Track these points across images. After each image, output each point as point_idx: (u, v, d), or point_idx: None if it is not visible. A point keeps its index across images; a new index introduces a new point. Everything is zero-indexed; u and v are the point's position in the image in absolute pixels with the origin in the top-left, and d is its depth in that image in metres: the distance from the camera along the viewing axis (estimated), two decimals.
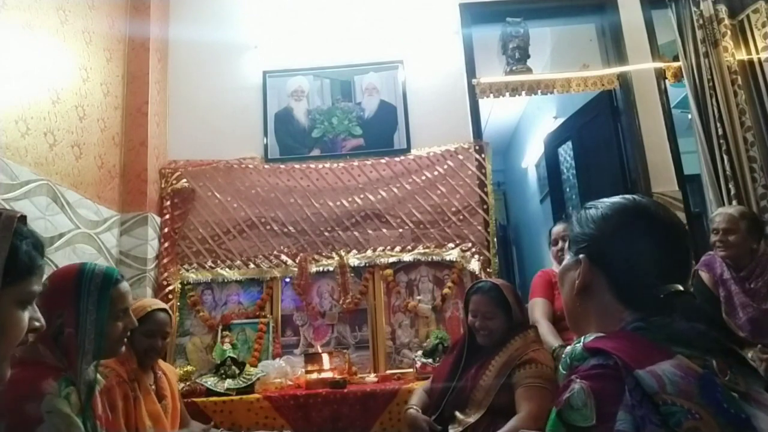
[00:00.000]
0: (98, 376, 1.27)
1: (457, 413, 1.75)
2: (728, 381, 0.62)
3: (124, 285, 1.31)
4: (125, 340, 1.35)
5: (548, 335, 2.18)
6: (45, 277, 0.87)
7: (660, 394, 0.59)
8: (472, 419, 1.69)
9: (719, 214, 2.26)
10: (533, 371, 1.68)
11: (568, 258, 0.83)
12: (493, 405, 1.68)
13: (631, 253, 0.75)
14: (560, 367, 0.73)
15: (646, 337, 0.68)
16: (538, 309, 2.32)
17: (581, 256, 0.78)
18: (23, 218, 0.80)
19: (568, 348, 0.73)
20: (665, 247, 0.75)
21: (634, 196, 0.81)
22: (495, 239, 2.86)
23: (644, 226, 0.76)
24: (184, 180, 2.91)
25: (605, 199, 0.82)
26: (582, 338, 0.72)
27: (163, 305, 1.87)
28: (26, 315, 0.76)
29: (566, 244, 0.85)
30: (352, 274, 2.82)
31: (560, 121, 4.14)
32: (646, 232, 0.75)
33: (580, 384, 0.63)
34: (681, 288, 0.72)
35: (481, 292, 1.88)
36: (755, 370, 0.66)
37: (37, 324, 0.78)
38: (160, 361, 1.86)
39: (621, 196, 0.82)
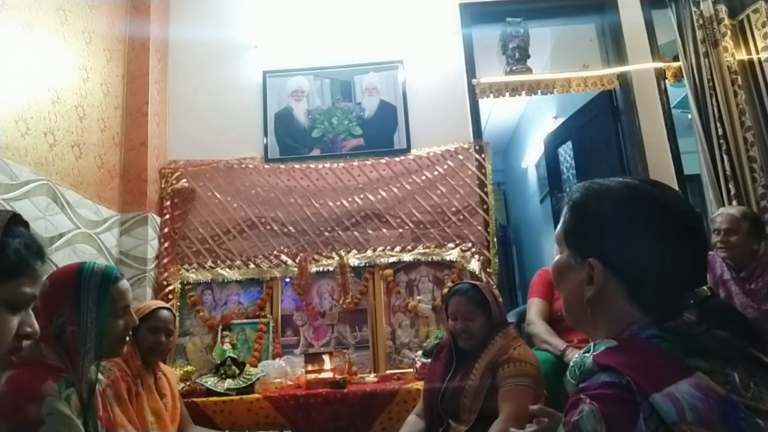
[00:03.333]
0: (100, 375, 1.27)
1: (451, 422, 1.73)
2: (751, 398, 0.57)
3: (124, 283, 1.31)
4: (127, 338, 1.35)
5: (548, 336, 2.18)
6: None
7: (679, 424, 0.53)
8: (464, 426, 1.67)
9: (720, 214, 2.26)
10: (514, 370, 1.66)
11: (566, 254, 0.74)
12: (484, 409, 1.66)
13: (650, 254, 0.66)
14: (567, 374, 0.68)
15: (661, 348, 0.61)
16: (534, 309, 2.32)
17: (591, 260, 0.69)
18: (19, 218, 0.77)
19: (577, 357, 0.67)
20: (685, 243, 0.67)
21: (641, 182, 0.72)
22: (495, 239, 2.86)
23: (660, 220, 0.68)
24: (184, 180, 2.91)
25: (600, 184, 0.73)
26: (591, 346, 0.66)
27: (166, 305, 1.93)
28: (14, 319, 0.73)
29: (561, 233, 0.75)
30: (352, 274, 2.82)
31: (560, 121, 4.14)
32: (663, 227, 0.67)
33: (590, 406, 0.57)
34: (708, 292, 0.66)
35: (459, 293, 1.84)
36: None
37: (28, 330, 0.75)
38: (161, 364, 1.88)
39: (625, 181, 0.72)
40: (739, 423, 0.54)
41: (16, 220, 0.78)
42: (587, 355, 0.65)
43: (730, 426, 0.54)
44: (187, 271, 2.81)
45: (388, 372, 2.59)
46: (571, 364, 0.67)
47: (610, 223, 0.70)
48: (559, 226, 0.77)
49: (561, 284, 0.76)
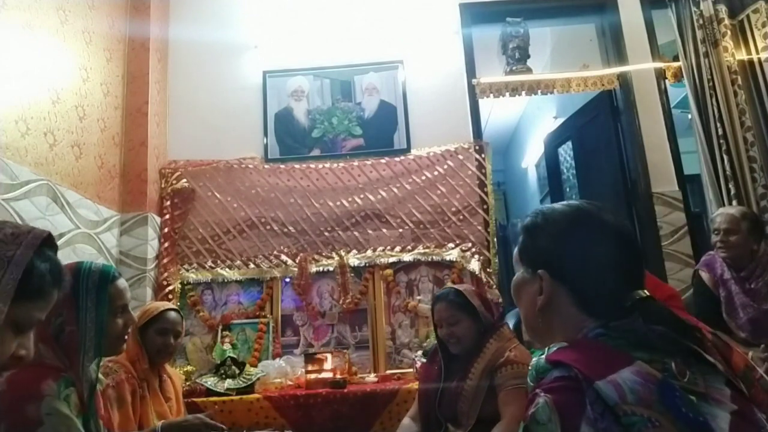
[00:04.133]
0: (100, 375, 1.27)
1: (450, 426, 1.73)
2: (687, 382, 0.63)
3: (122, 282, 1.32)
4: (126, 337, 1.35)
5: None
6: None
7: (620, 405, 0.59)
8: (463, 430, 1.66)
9: (720, 214, 2.26)
10: (512, 372, 1.64)
11: (521, 271, 0.82)
12: (483, 414, 1.65)
13: (592, 263, 0.75)
14: (528, 379, 0.74)
15: (607, 344, 0.69)
16: None
17: (540, 271, 0.77)
18: (51, 240, 0.77)
19: (534, 360, 0.73)
20: (621, 253, 0.75)
21: (578, 203, 0.81)
22: (495, 239, 2.86)
23: (600, 234, 0.76)
24: (184, 180, 2.91)
25: (548, 207, 0.82)
26: (546, 350, 0.73)
27: (173, 306, 1.92)
28: (16, 340, 0.72)
29: (516, 253, 0.84)
30: (352, 274, 2.82)
31: (560, 121, 4.14)
32: (602, 240, 0.75)
33: (544, 398, 0.64)
34: (645, 294, 0.73)
35: (441, 299, 1.83)
36: (714, 366, 0.67)
37: (23, 353, 0.74)
38: (166, 366, 1.88)
39: (567, 203, 0.82)
40: (674, 401, 0.60)
41: (47, 242, 0.78)
42: (542, 356, 0.72)
43: (666, 404, 0.60)
44: (187, 271, 2.81)
45: (388, 372, 2.59)
46: (529, 368, 0.74)
47: (554, 238, 0.78)
48: (516, 248, 0.85)
49: (519, 300, 0.83)
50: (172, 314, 1.84)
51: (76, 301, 1.19)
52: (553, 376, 0.67)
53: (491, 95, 3.07)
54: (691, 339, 0.68)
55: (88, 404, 1.13)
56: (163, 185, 2.90)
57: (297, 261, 2.81)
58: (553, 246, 0.78)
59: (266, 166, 2.97)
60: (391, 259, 2.82)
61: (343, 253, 2.82)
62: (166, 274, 2.76)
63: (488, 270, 2.77)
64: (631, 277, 0.75)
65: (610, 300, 0.73)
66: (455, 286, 1.92)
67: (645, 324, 0.69)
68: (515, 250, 0.85)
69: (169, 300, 2.66)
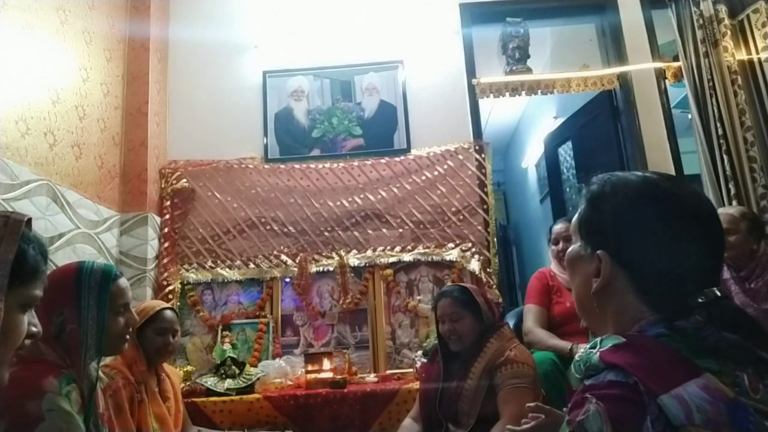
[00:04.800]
0: (101, 374, 1.27)
1: (450, 425, 1.73)
2: (761, 400, 0.56)
3: (123, 281, 1.32)
4: (128, 337, 1.35)
5: (550, 340, 2.16)
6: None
7: (687, 427, 0.52)
8: (463, 430, 1.67)
9: (719, 214, 2.25)
10: (512, 372, 1.65)
11: (579, 245, 0.74)
12: (483, 412, 1.65)
13: (661, 250, 0.65)
14: (572, 368, 0.66)
15: (669, 347, 0.60)
16: (530, 317, 2.30)
17: (600, 252, 0.68)
18: (29, 222, 0.80)
19: (582, 351, 0.66)
20: (698, 241, 0.65)
21: (660, 176, 0.70)
22: (495, 239, 2.86)
23: (674, 216, 0.66)
24: (184, 180, 2.91)
25: (624, 177, 0.71)
26: (598, 342, 0.64)
27: (167, 305, 1.93)
28: (26, 319, 0.77)
29: (576, 224, 0.75)
30: (352, 274, 2.82)
31: (560, 121, 4.14)
32: (676, 223, 0.66)
33: (596, 406, 0.56)
34: (718, 293, 0.64)
35: (446, 295, 1.84)
36: None
37: (34, 329, 0.79)
38: (164, 365, 1.87)
39: (644, 175, 0.71)
40: (747, 426, 0.53)
41: (27, 224, 0.81)
42: (593, 351, 0.63)
43: (738, 429, 0.53)
44: (187, 271, 2.81)
45: (388, 372, 2.59)
46: (576, 358, 0.66)
47: (622, 217, 0.68)
48: (575, 216, 0.76)
49: (572, 275, 0.76)
50: (169, 313, 1.85)
51: (77, 300, 1.19)
52: (607, 380, 0.58)
53: (491, 95, 3.07)
54: (764, 347, 0.60)
55: (88, 402, 1.13)
56: (163, 185, 2.90)
57: (297, 261, 2.82)
58: (617, 223, 0.68)
59: (266, 166, 2.97)
60: (391, 259, 2.82)
61: (343, 253, 2.82)
62: (166, 274, 2.76)
63: (488, 270, 2.77)
64: (705, 270, 0.65)
65: (677, 295, 0.64)
66: (461, 284, 1.93)
67: (716, 330, 0.60)
68: (574, 219, 0.76)
69: (169, 300, 2.67)
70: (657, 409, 0.54)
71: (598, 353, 0.62)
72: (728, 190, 2.69)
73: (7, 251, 0.72)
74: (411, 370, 2.55)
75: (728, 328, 0.60)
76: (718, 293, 0.64)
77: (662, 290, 0.65)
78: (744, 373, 0.57)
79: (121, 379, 1.56)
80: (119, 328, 1.28)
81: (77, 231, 2.27)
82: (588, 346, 0.66)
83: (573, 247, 0.75)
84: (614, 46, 3.14)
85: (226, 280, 2.82)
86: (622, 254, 0.67)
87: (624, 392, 0.56)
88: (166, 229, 2.84)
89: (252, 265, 2.84)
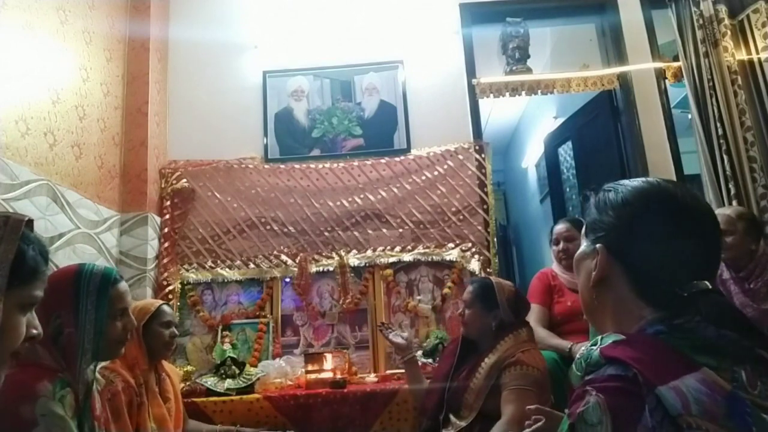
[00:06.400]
0: (98, 376, 1.27)
1: (452, 416, 1.75)
2: (758, 395, 0.58)
3: (123, 285, 1.31)
4: (126, 341, 1.34)
5: (550, 339, 2.17)
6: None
7: (684, 416, 0.54)
8: (464, 423, 1.68)
9: (717, 215, 2.25)
10: (519, 373, 1.66)
11: (584, 245, 0.77)
12: (485, 408, 1.67)
13: (654, 246, 0.68)
14: (573, 367, 0.68)
15: (669, 344, 0.62)
16: (532, 316, 2.31)
17: (599, 245, 0.73)
18: (30, 222, 0.80)
19: (584, 348, 0.67)
20: (693, 239, 0.68)
21: (659, 180, 0.74)
22: (495, 239, 2.86)
23: (669, 215, 0.69)
24: (184, 180, 2.91)
25: (626, 181, 0.75)
26: (599, 339, 0.66)
27: (161, 301, 2.00)
28: (25, 321, 0.77)
29: (584, 229, 0.79)
30: (352, 274, 2.82)
31: (560, 121, 4.14)
32: (671, 222, 0.69)
33: (596, 398, 0.58)
34: (708, 285, 0.67)
35: (471, 282, 1.98)
36: None
37: (34, 332, 0.79)
38: (164, 363, 1.87)
39: (644, 179, 0.75)
40: (744, 418, 0.55)
41: (27, 224, 0.81)
42: (594, 347, 0.65)
43: (735, 420, 0.54)
44: (187, 271, 2.81)
45: (388, 372, 2.60)
46: (578, 356, 0.67)
47: (618, 213, 0.72)
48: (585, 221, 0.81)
49: (578, 274, 0.79)
50: (167, 307, 1.90)
51: (76, 303, 1.18)
52: (607, 374, 0.60)
53: (491, 95, 3.07)
54: (763, 345, 0.62)
55: (83, 405, 1.13)
56: (163, 185, 2.90)
57: (297, 261, 2.81)
58: (615, 220, 0.72)
59: (266, 166, 2.97)
60: (391, 259, 2.82)
61: (343, 253, 2.82)
62: (166, 274, 2.76)
63: (488, 270, 2.77)
64: (697, 265, 0.68)
65: (669, 287, 0.66)
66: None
67: (714, 328, 0.62)
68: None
69: (169, 300, 2.67)
70: (655, 399, 0.55)
71: (599, 349, 0.64)
72: (728, 190, 2.69)
73: (7, 251, 0.72)
74: None
75: (723, 322, 0.62)
76: (707, 286, 0.67)
77: (655, 283, 0.68)
78: (742, 369, 0.59)
79: (120, 382, 1.55)
80: (117, 332, 1.28)
81: (77, 231, 2.27)
82: (589, 344, 0.68)
83: (580, 248, 0.79)
84: (614, 46, 3.14)
85: (226, 280, 2.82)
86: (618, 247, 0.71)
87: (623, 384, 0.58)
88: (166, 229, 2.84)
89: (252, 265, 2.84)
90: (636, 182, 0.74)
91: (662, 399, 0.55)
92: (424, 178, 2.92)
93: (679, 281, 0.67)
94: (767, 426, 0.55)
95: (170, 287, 2.73)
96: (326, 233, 2.88)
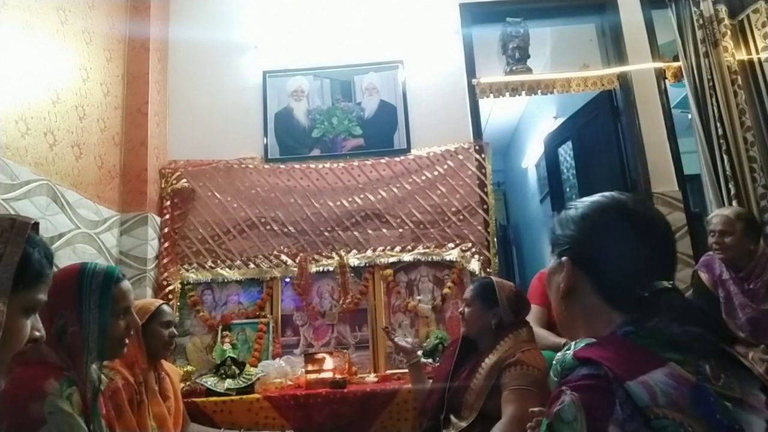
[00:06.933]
0: (102, 375, 1.27)
1: (452, 416, 1.74)
2: (722, 386, 0.61)
3: (126, 283, 1.31)
4: (127, 340, 1.34)
5: (547, 338, 2.17)
6: None
7: (652, 408, 0.58)
8: (464, 423, 1.68)
9: (716, 215, 2.26)
10: (519, 373, 1.65)
11: (552, 262, 0.82)
12: (486, 408, 1.66)
13: (613, 253, 0.74)
14: (551, 373, 0.72)
15: (637, 343, 0.67)
16: (531, 317, 2.31)
17: (564, 258, 0.78)
18: (36, 225, 0.80)
19: (559, 355, 0.71)
20: (647, 244, 0.74)
21: (613, 194, 0.79)
22: (495, 239, 2.86)
23: (624, 224, 0.75)
24: (184, 180, 2.91)
25: (585, 199, 0.81)
26: (573, 344, 0.71)
27: (161, 300, 2.02)
28: (29, 323, 0.77)
29: (550, 247, 0.84)
30: (352, 274, 2.82)
31: (560, 121, 4.14)
32: (626, 230, 0.74)
33: (571, 396, 0.62)
34: (667, 285, 0.71)
35: (472, 282, 1.99)
36: (750, 371, 0.64)
37: (37, 334, 0.79)
38: (164, 363, 1.87)
39: (600, 194, 0.80)
40: (709, 406, 0.58)
41: (33, 228, 0.81)
42: (568, 352, 0.70)
43: (700, 409, 0.58)
44: (187, 271, 2.81)
45: (388, 372, 2.59)
46: (554, 362, 0.72)
47: (579, 226, 0.78)
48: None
49: (549, 289, 0.84)
50: (167, 307, 1.90)
51: (79, 302, 1.19)
52: (580, 374, 0.65)
53: (491, 95, 3.07)
54: (726, 340, 0.66)
55: (92, 405, 1.13)
56: (163, 185, 2.90)
57: (297, 261, 2.82)
58: (577, 234, 0.78)
59: (266, 166, 2.97)
60: (391, 259, 2.82)
61: (343, 253, 2.82)
62: (166, 274, 2.76)
63: (488, 270, 2.77)
64: (655, 268, 0.73)
65: (632, 291, 0.71)
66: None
67: (678, 325, 0.66)
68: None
69: (169, 300, 2.67)
70: (625, 394, 0.59)
71: (572, 352, 0.69)
72: (728, 190, 2.69)
73: (12, 254, 0.72)
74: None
75: (687, 320, 0.67)
76: (667, 285, 0.71)
77: (618, 287, 0.73)
78: (706, 363, 0.63)
79: (120, 380, 1.55)
80: (120, 331, 1.28)
81: (77, 231, 2.27)
82: (564, 349, 0.72)
83: (549, 265, 0.84)
84: (614, 46, 3.14)
85: (226, 280, 2.82)
86: (582, 258, 0.76)
87: (595, 382, 0.62)
88: (166, 229, 2.84)
89: (252, 265, 2.84)
90: (593, 197, 0.80)
91: (631, 393, 0.59)
92: (424, 178, 2.92)
93: (641, 283, 0.71)
94: (730, 413, 0.58)
95: (170, 287, 2.73)
96: (326, 233, 2.88)
